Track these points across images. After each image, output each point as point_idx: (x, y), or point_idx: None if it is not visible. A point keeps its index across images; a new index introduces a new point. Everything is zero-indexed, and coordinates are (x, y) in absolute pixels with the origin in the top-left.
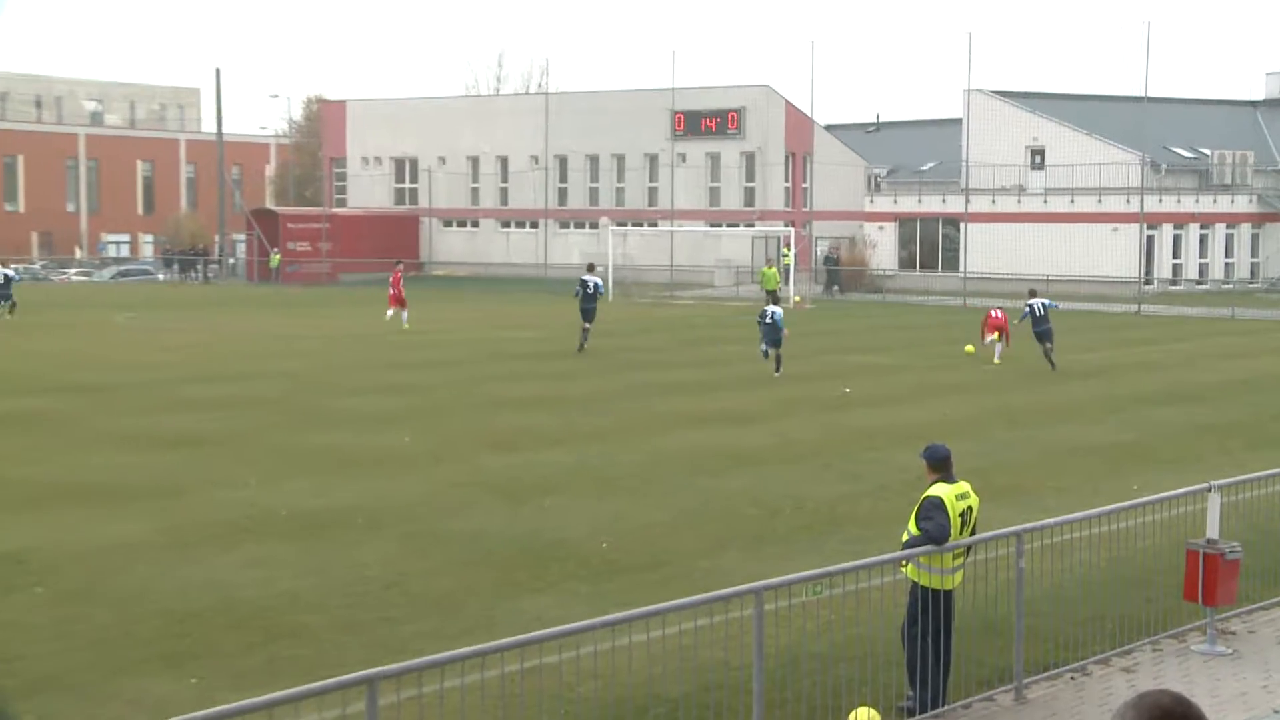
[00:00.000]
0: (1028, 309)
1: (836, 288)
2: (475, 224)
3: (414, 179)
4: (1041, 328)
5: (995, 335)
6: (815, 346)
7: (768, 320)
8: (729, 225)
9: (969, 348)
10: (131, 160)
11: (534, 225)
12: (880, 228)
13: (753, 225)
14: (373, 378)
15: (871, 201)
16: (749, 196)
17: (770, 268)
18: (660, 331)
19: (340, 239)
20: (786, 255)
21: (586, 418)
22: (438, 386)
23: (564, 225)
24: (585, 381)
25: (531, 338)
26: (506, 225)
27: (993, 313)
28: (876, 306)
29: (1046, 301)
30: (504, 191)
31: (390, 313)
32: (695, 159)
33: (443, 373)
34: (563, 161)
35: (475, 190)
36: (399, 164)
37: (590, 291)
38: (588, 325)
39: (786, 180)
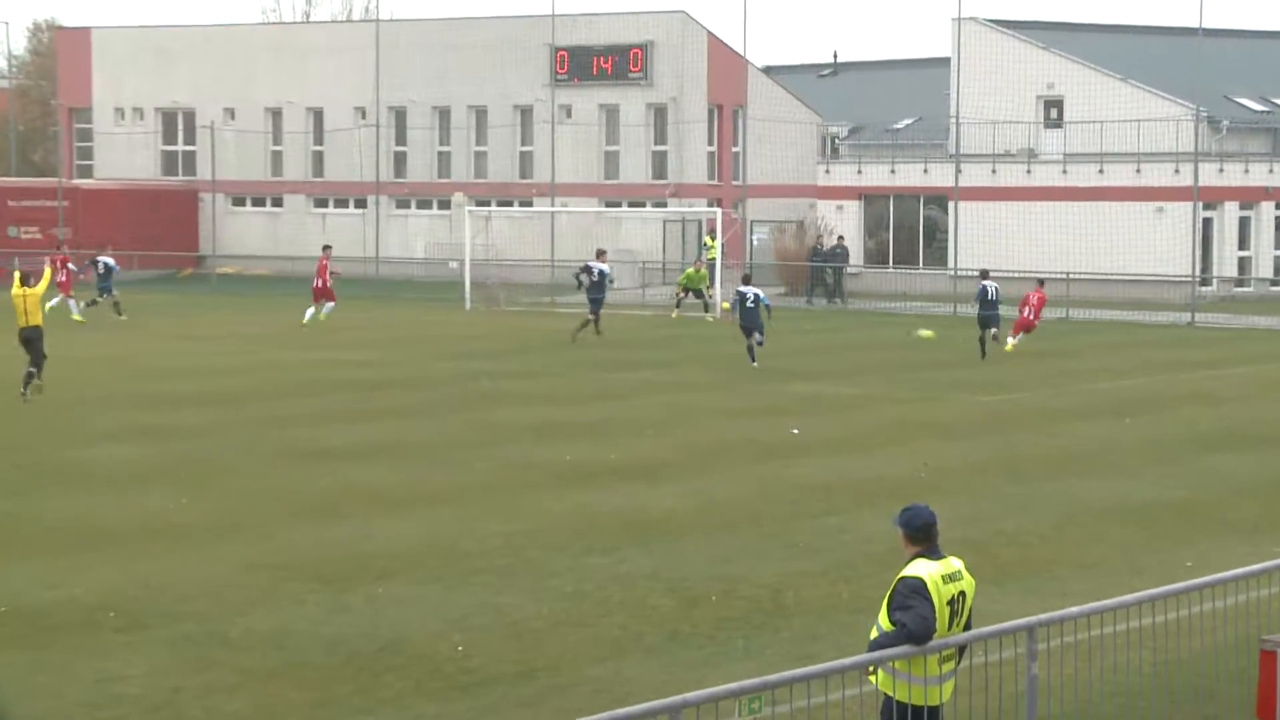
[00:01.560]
0: (980, 290)
1: (821, 296)
2: (278, 202)
3: (190, 139)
4: (989, 311)
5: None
6: (750, 372)
7: (749, 303)
8: (631, 205)
9: (925, 332)
10: None
11: (361, 205)
12: (839, 207)
13: (664, 205)
14: (130, 417)
15: (827, 172)
16: (659, 165)
17: (697, 269)
18: (538, 352)
19: (85, 223)
20: (711, 247)
21: (435, 472)
22: (224, 428)
23: (403, 204)
24: (434, 421)
25: (359, 360)
26: (322, 204)
27: (1031, 297)
28: (836, 316)
29: (996, 286)
30: (318, 158)
31: (310, 312)
32: (585, 113)
33: (232, 410)
34: (400, 116)
35: (277, 156)
36: (168, 118)
37: (597, 280)
38: (593, 316)
39: (710, 143)
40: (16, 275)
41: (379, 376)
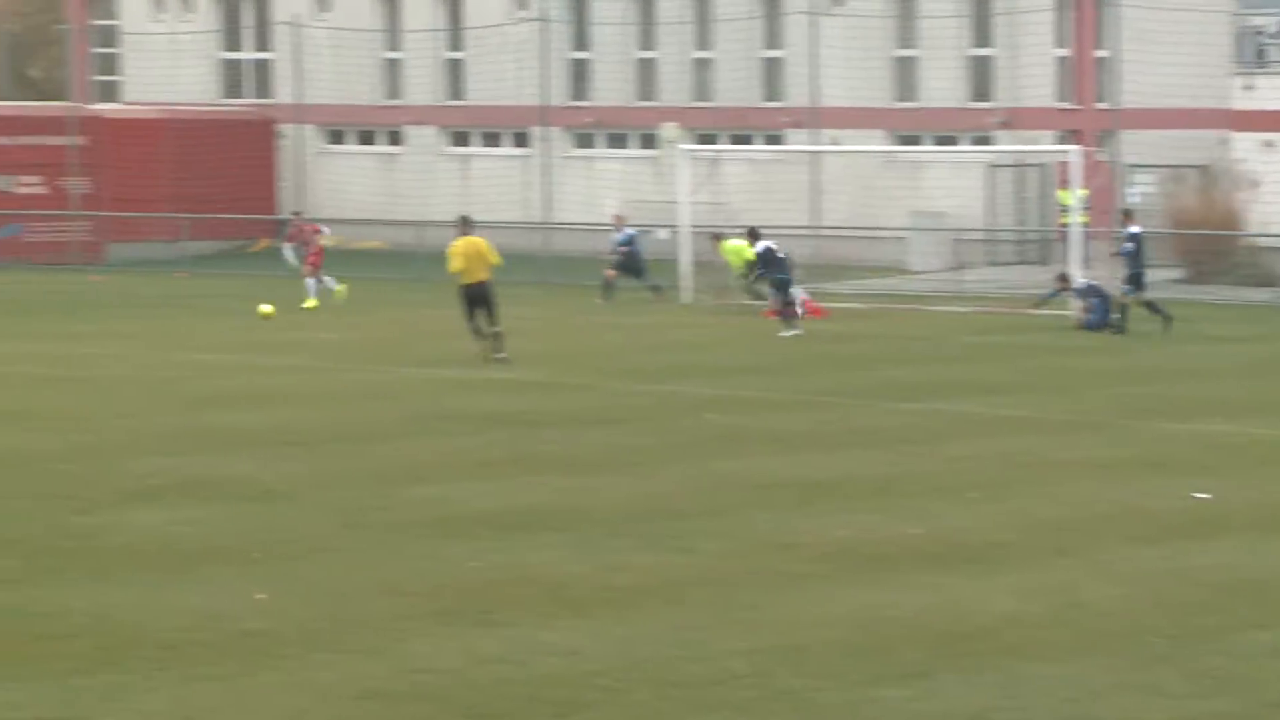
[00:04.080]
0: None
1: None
2: (395, 138)
3: (264, 42)
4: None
5: None
6: (1131, 404)
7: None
8: (939, 141)
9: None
10: None
11: (522, 142)
12: (1267, 143)
13: (990, 141)
14: (170, 465)
15: (1249, 89)
16: (981, 80)
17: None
18: (794, 369)
19: (110, 170)
20: (1066, 204)
21: (638, 553)
22: (312, 483)
23: (584, 141)
24: (633, 476)
25: (514, 381)
26: (462, 141)
27: None
28: (1268, 315)
29: None
30: (455, 70)
31: (317, 285)
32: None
33: (322, 456)
34: (579, 2)
35: (394, 68)
36: (230, 9)
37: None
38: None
39: (1061, 44)
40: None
41: (545, 407)
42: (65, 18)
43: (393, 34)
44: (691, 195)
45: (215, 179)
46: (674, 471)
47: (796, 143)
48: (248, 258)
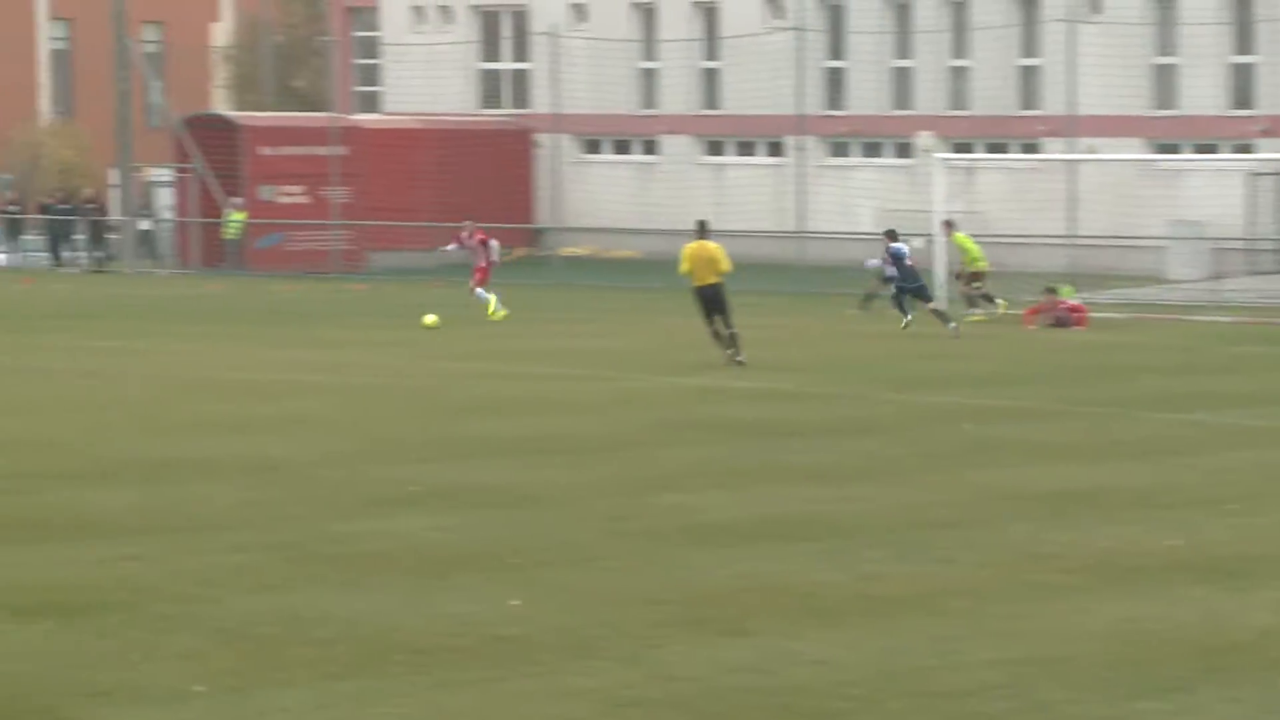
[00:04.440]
0: None
1: None
2: (651, 147)
3: (522, 52)
4: None
5: None
6: None
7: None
8: (1198, 150)
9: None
10: None
11: (776, 151)
12: None
13: (1250, 149)
14: (424, 472)
15: None
16: (1242, 86)
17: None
18: (1050, 379)
19: (371, 178)
20: None
21: (892, 564)
22: (564, 492)
23: (839, 150)
24: (887, 486)
25: (766, 391)
26: (716, 150)
27: None
28: None
29: None
30: (710, 79)
31: (488, 298)
32: (1123, 3)
33: (576, 465)
34: (835, 13)
35: (649, 77)
36: (489, 20)
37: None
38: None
39: None
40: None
41: (797, 416)
42: (329, 30)
43: (649, 44)
44: (946, 204)
45: (473, 188)
46: (929, 482)
47: (1053, 151)
48: (503, 267)
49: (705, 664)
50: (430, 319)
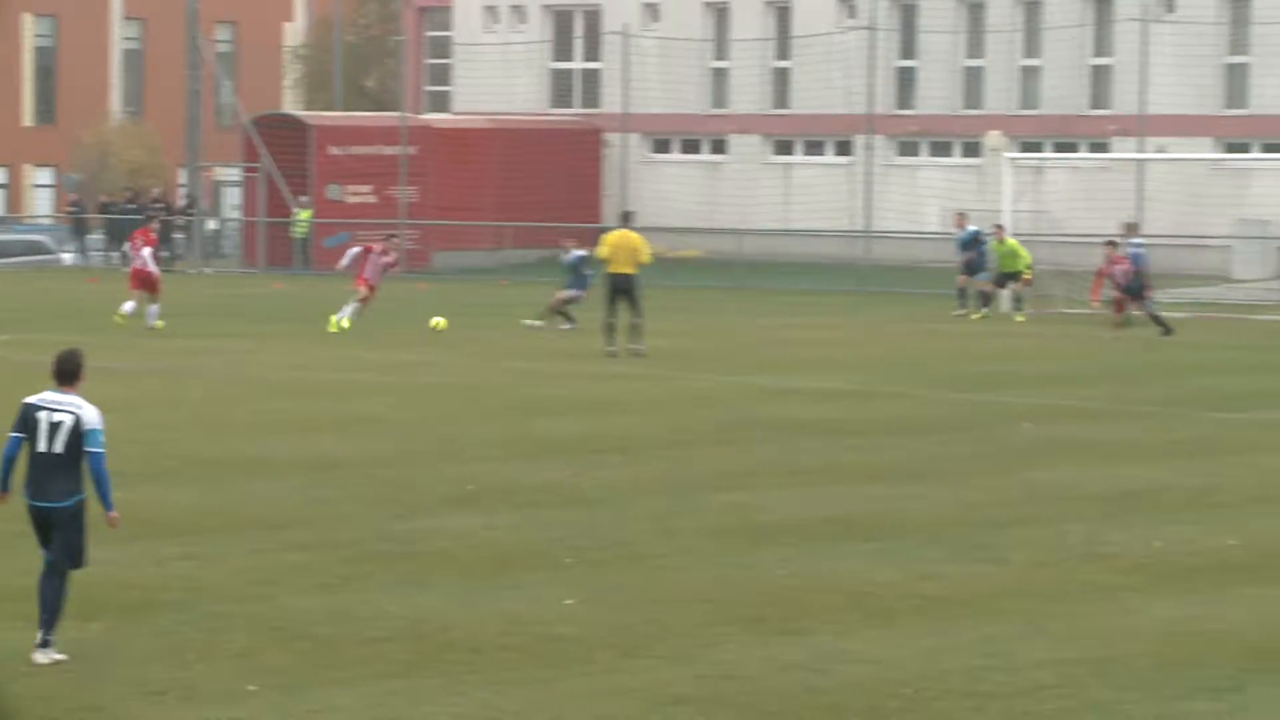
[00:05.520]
0: None
1: None
2: (720, 147)
3: (593, 52)
4: None
5: None
6: None
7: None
8: (1267, 149)
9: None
10: (11, 19)
11: (845, 150)
12: None
13: None
14: (482, 471)
15: None
16: None
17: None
18: (1110, 378)
19: (438, 177)
20: None
21: (944, 563)
22: (621, 491)
23: (908, 149)
24: (945, 486)
25: (826, 390)
26: (785, 150)
27: None
28: None
29: None
30: (781, 78)
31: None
32: (1195, 2)
33: (632, 464)
34: (908, 12)
35: (720, 77)
36: (561, 20)
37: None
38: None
39: None
40: None
41: (856, 415)
42: (401, 29)
43: (720, 43)
44: (1014, 203)
45: (541, 188)
46: (987, 481)
47: (1122, 150)
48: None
49: (758, 663)
50: (438, 321)
